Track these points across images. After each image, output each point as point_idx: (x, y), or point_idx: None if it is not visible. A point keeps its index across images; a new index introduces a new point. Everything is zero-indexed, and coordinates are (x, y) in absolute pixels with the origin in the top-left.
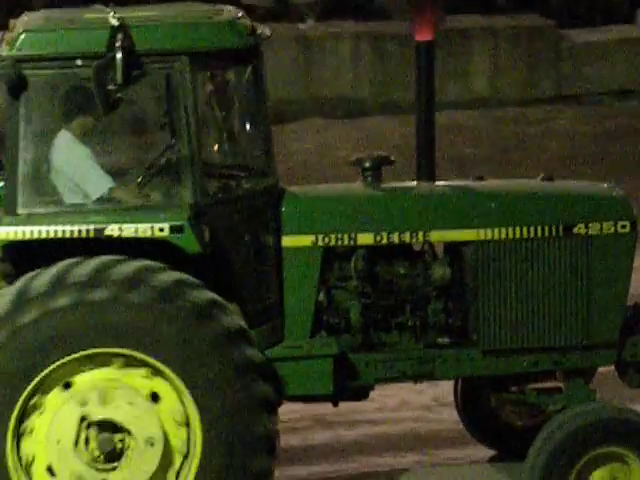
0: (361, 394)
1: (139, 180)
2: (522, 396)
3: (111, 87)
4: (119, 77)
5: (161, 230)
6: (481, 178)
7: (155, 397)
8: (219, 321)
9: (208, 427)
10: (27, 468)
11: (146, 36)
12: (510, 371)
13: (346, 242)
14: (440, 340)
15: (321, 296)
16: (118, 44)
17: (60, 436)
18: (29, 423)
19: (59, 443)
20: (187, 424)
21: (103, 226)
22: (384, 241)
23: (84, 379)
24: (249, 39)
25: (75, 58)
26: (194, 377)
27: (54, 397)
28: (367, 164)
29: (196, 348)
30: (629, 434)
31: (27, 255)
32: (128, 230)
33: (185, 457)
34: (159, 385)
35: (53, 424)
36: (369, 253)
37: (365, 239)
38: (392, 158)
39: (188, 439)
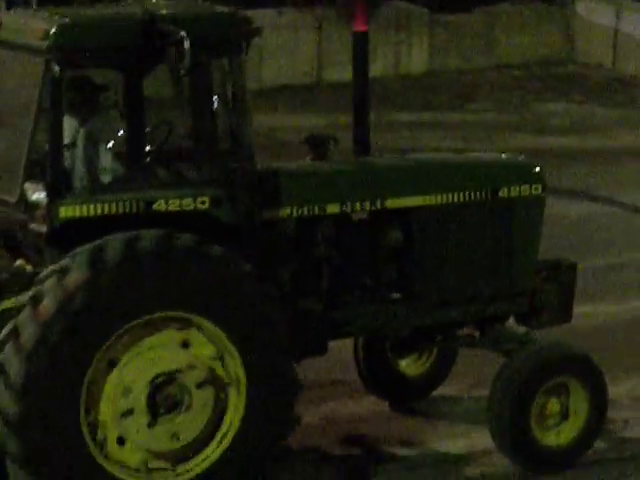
0: (322, 349)
1: (168, 158)
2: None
3: (182, 72)
4: (187, 62)
5: (202, 203)
6: None
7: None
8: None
9: (246, 357)
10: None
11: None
12: (448, 320)
13: (316, 212)
14: (392, 297)
15: (295, 262)
16: (183, 33)
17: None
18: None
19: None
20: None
21: (152, 200)
22: (348, 210)
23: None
24: (253, 28)
25: (112, 49)
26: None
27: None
28: (317, 142)
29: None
30: (573, 363)
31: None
32: (174, 203)
33: (229, 387)
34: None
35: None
36: (335, 221)
37: (333, 209)
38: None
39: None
